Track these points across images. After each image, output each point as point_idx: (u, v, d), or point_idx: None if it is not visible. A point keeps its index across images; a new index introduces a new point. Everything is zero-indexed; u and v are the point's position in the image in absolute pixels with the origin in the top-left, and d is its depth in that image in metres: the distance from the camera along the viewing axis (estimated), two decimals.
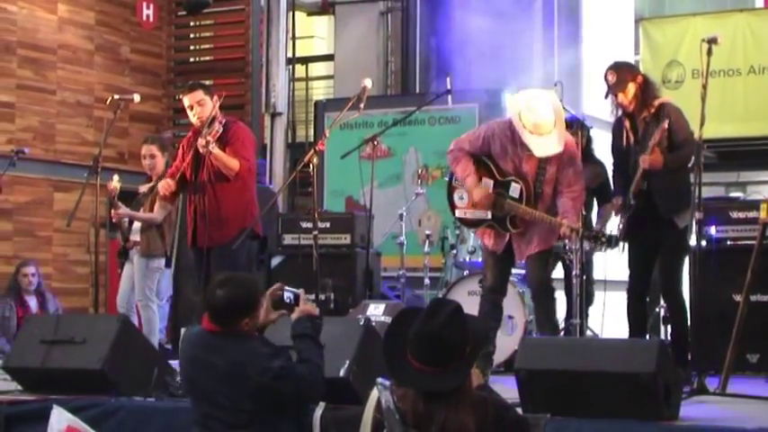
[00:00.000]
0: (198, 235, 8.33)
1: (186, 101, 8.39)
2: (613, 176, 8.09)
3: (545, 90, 7.93)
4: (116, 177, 9.24)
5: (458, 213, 7.85)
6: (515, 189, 7.55)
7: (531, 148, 7.39)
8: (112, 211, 9.25)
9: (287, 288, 5.56)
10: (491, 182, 7.62)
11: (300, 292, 5.64)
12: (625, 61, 8.05)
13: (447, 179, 8.02)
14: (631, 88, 7.65)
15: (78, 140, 13.41)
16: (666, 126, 7.41)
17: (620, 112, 7.82)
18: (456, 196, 7.80)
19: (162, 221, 9.51)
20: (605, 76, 7.76)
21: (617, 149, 7.91)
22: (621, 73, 7.70)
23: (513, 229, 7.58)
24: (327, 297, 9.72)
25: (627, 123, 7.77)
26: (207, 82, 9.01)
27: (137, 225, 9.69)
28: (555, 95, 7.69)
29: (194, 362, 5.46)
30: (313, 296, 7.42)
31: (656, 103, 7.67)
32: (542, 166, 7.53)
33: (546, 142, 7.38)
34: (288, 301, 5.52)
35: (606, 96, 7.83)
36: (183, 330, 10.07)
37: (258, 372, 5.24)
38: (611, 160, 8.07)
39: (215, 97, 8.38)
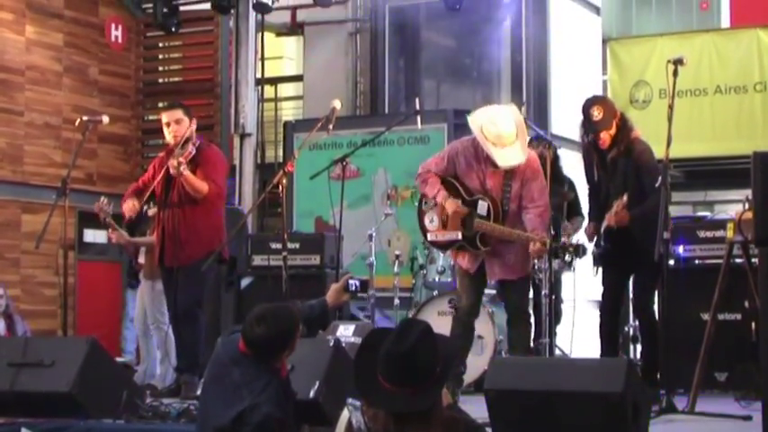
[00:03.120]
0: (165, 254, 8.34)
1: (164, 117, 8.42)
2: (589, 202, 8.10)
3: (506, 105, 7.95)
4: (103, 199, 9.18)
5: (429, 237, 7.87)
6: (483, 207, 7.58)
7: (495, 158, 7.42)
8: (110, 231, 9.24)
9: (353, 277, 6.20)
10: (459, 201, 7.64)
11: (367, 279, 5.89)
12: (606, 96, 8.03)
13: (417, 204, 8.03)
14: (614, 126, 7.66)
15: (46, 162, 13.36)
16: (626, 201, 7.38)
17: (586, 139, 7.83)
18: (426, 220, 7.82)
19: None
20: (589, 109, 7.70)
21: (589, 178, 7.94)
22: (608, 110, 7.69)
23: (483, 248, 7.60)
24: None
25: (595, 156, 7.79)
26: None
27: (143, 247, 9.72)
28: (516, 110, 7.71)
29: (216, 365, 5.46)
30: None
31: (626, 141, 7.68)
32: (507, 182, 7.56)
33: (508, 153, 7.42)
34: (352, 288, 6.07)
35: (588, 132, 7.80)
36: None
37: (248, 409, 5.22)
38: (586, 185, 8.09)
39: (193, 119, 8.42)
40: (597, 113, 7.64)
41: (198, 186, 8.13)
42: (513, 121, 7.48)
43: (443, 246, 7.89)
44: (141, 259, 9.82)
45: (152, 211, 9.54)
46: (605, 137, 7.66)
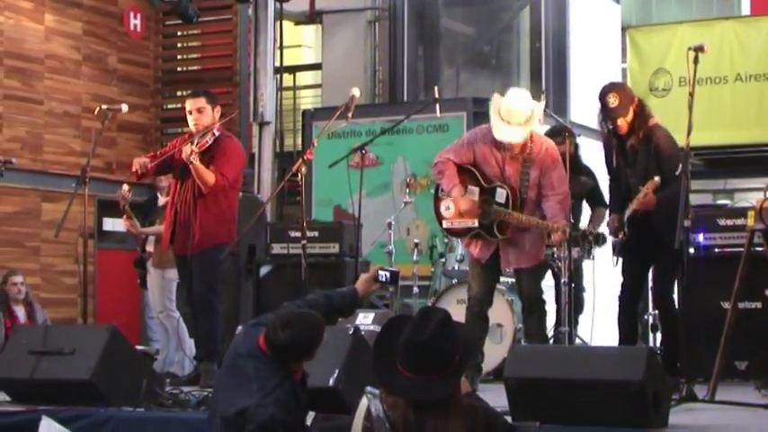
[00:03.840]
0: (176, 239, 8.34)
1: (188, 105, 8.39)
2: (609, 193, 8.06)
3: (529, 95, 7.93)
4: (126, 187, 9.23)
5: (445, 224, 7.85)
6: (501, 194, 7.58)
7: (494, 129, 7.45)
8: (124, 218, 9.28)
9: (385, 267, 6.07)
10: (477, 189, 7.65)
11: (397, 270, 6.06)
12: (623, 83, 7.99)
13: (432, 191, 8.03)
14: (631, 113, 7.63)
15: (66, 150, 13.39)
16: (658, 181, 7.34)
17: (606, 129, 7.80)
18: (443, 207, 7.80)
19: None
20: (605, 97, 7.67)
21: (610, 167, 7.90)
22: (624, 97, 7.64)
23: (501, 236, 7.59)
24: None
25: (615, 143, 7.76)
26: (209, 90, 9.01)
27: (152, 236, 9.75)
28: (539, 103, 7.69)
29: (234, 354, 5.46)
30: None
31: (644, 128, 7.64)
32: (525, 170, 7.57)
33: (510, 130, 7.44)
34: (382, 279, 5.95)
35: (605, 120, 7.77)
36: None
37: (253, 407, 5.22)
38: (607, 175, 8.05)
39: (217, 108, 8.38)
40: (613, 101, 7.61)
41: (205, 177, 8.11)
42: (529, 105, 7.48)
43: (459, 233, 7.88)
44: (150, 248, 9.83)
45: (163, 201, 9.57)
46: (622, 123, 7.63)
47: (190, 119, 8.36)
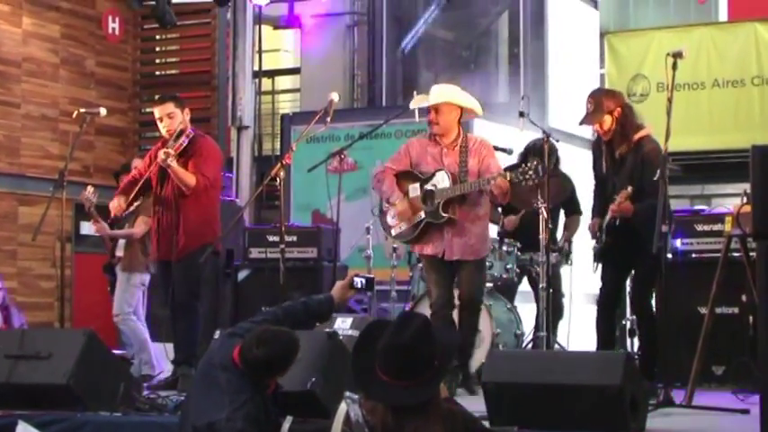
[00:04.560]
0: (161, 248, 8.35)
1: (156, 112, 8.39)
2: (594, 197, 8.07)
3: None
4: (90, 189, 9.21)
5: (393, 232, 8.09)
6: (441, 175, 7.82)
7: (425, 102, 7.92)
8: (92, 221, 9.24)
9: (360, 274, 6.11)
10: (417, 185, 7.88)
11: (372, 276, 6.09)
12: (608, 90, 8.00)
13: (378, 208, 8.19)
14: (607, 120, 7.63)
15: (43, 154, 13.34)
16: (630, 191, 7.39)
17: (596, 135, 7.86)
18: (389, 217, 8.06)
19: (145, 236, 9.50)
20: (586, 101, 7.77)
21: (596, 173, 7.92)
22: (598, 102, 7.67)
23: (446, 214, 7.74)
24: None
25: (604, 149, 7.77)
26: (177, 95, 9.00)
27: (122, 240, 9.70)
28: (465, 93, 8.02)
29: (207, 364, 5.47)
30: None
31: (636, 137, 7.63)
32: (462, 159, 7.83)
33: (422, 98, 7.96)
34: (358, 285, 6.00)
35: (580, 123, 7.89)
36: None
37: (223, 421, 5.22)
38: (593, 180, 8.07)
39: (186, 110, 8.39)
40: (589, 106, 7.69)
41: (185, 179, 8.12)
42: (445, 90, 7.97)
43: (409, 233, 7.99)
44: (119, 252, 9.78)
45: (132, 206, 9.54)
46: (598, 129, 7.70)
47: (161, 125, 8.37)
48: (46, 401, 6.72)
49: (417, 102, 8.45)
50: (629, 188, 7.37)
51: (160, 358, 9.91)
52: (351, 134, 11.86)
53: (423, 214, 7.85)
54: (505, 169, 7.74)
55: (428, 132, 8.05)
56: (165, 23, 13.27)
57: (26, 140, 13.22)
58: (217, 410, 5.20)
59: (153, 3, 12.87)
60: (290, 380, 5.73)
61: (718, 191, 14.86)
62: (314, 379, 6.05)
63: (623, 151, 7.65)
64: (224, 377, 5.30)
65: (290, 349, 5.34)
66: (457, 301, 7.96)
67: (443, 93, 7.97)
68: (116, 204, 8.38)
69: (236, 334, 5.47)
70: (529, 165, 7.61)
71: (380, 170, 8.08)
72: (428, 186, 7.84)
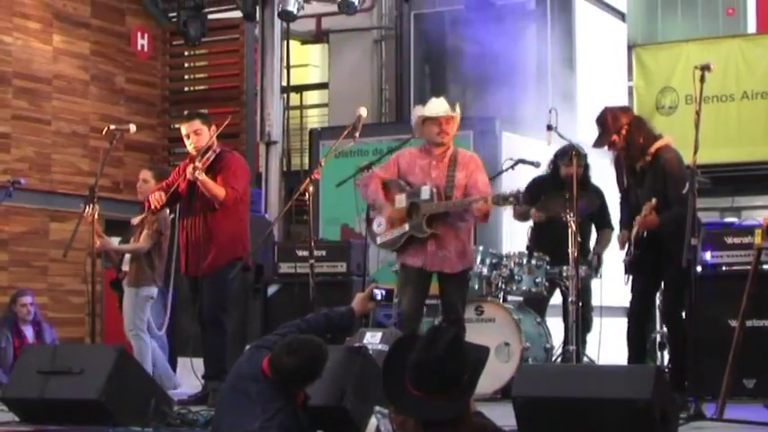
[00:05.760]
0: (189, 263, 8.37)
1: (183, 129, 8.44)
2: (621, 210, 8.05)
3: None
4: (82, 205, 9.17)
5: (379, 240, 8.04)
6: (426, 191, 7.79)
7: (425, 113, 7.87)
8: (95, 236, 9.18)
9: (378, 286, 6.25)
10: (403, 196, 7.85)
11: (391, 288, 6.29)
12: (608, 109, 7.94)
13: (364, 215, 8.22)
14: (617, 138, 7.65)
15: (74, 170, 13.43)
16: (654, 203, 7.39)
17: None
18: (375, 225, 8.02)
19: (151, 250, 9.53)
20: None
21: (620, 186, 7.92)
22: (603, 124, 7.71)
23: (429, 229, 7.72)
24: None
25: (624, 163, 7.77)
26: (204, 111, 9.05)
27: (127, 255, 9.70)
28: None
29: (237, 376, 5.51)
30: None
31: (653, 149, 7.62)
32: (450, 173, 7.81)
33: (436, 105, 7.88)
34: (377, 297, 6.15)
35: (593, 146, 7.92)
36: (179, 359, 10.14)
37: (257, 430, 5.25)
38: (619, 194, 8.07)
39: (212, 127, 8.43)
40: (598, 129, 7.70)
41: (215, 191, 8.16)
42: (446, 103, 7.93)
43: (393, 243, 7.99)
44: (125, 267, 9.79)
45: (135, 220, 9.55)
46: (611, 147, 7.72)
47: (188, 142, 8.41)
48: (78, 417, 6.77)
49: (433, 107, 8.28)
50: (654, 200, 7.36)
51: (171, 375, 9.94)
52: (379, 148, 11.87)
53: (407, 227, 7.84)
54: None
55: (424, 145, 8.00)
56: (190, 40, 13.35)
57: (57, 157, 13.32)
58: (249, 421, 5.23)
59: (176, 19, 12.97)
60: (321, 394, 5.75)
61: (748, 203, 14.81)
62: (344, 394, 6.05)
63: (643, 164, 7.64)
64: (255, 388, 5.34)
65: (319, 356, 5.41)
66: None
67: (447, 105, 7.95)
68: (157, 197, 8.39)
69: (263, 346, 5.53)
70: (511, 191, 7.63)
71: (368, 175, 8.09)
72: (413, 200, 7.84)
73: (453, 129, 7.94)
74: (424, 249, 7.80)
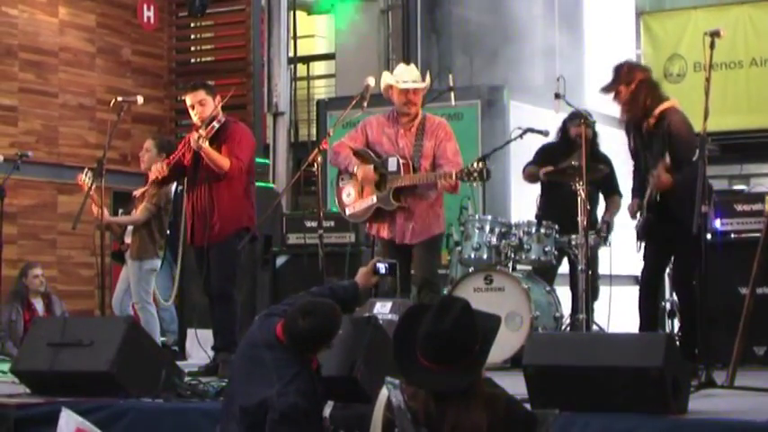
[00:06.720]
0: (195, 233, 8.36)
1: (188, 100, 8.41)
2: (633, 176, 8.01)
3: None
4: (86, 172, 9.17)
5: (348, 211, 8.09)
6: (393, 163, 7.83)
7: (394, 82, 7.90)
8: (92, 206, 9.16)
9: (381, 260, 6.33)
10: (371, 166, 7.88)
11: (394, 261, 6.30)
12: (627, 62, 7.90)
13: (334, 184, 8.23)
14: (623, 90, 7.60)
15: (81, 143, 13.42)
16: (668, 162, 7.35)
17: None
18: (344, 195, 8.09)
19: (150, 222, 9.54)
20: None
21: (631, 151, 7.88)
22: (618, 72, 7.66)
23: (397, 203, 7.76)
24: None
25: (632, 128, 7.73)
26: (209, 82, 9.03)
27: (129, 228, 9.72)
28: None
29: (249, 345, 5.51)
30: None
31: (657, 112, 7.58)
32: (418, 142, 7.84)
33: (407, 72, 7.92)
34: (381, 271, 6.21)
35: (599, 91, 7.85)
36: (188, 331, 10.16)
37: (275, 396, 5.25)
38: (630, 161, 8.03)
39: (217, 97, 8.41)
40: (612, 76, 7.67)
41: (219, 161, 8.14)
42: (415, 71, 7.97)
43: (362, 215, 8.03)
44: (128, 239, 9.80)
45: (137, 192, 9.55)
46: (616, 101, 7.66)
47: (192, 113, 8.39)
48: (88, 389, 6.77)
49: (403, 74, 8.20)
50: (667, 159, 7.32)
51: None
52: None
53: (375, 198, 7.87)
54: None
55: (392, 112, 8.01)
56: (194, 11, 13.31)
57: (64, 130, 13.31)
58: (266, 388, 5.22)
59: None
60: (331, 365, 5.74)
61: (757, 170, 14.78)
62: (355, 364, 6.05)
63: (648, 126, 7.60)
64: (269, 356, 5.33)
65: (334, 319, 5.40)
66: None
67: (416, 74, 7.95)
68: (159, 167, 8.41)
69: (273, 314, 5.52)
70: (476, 166, 7.61)
71: (338, 143, 8.08)
72: (381, 170, 7.84)
73: (421, 98, 7.98)
74: (393, 221, 7.85)
